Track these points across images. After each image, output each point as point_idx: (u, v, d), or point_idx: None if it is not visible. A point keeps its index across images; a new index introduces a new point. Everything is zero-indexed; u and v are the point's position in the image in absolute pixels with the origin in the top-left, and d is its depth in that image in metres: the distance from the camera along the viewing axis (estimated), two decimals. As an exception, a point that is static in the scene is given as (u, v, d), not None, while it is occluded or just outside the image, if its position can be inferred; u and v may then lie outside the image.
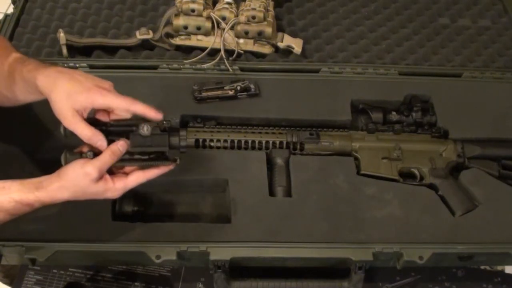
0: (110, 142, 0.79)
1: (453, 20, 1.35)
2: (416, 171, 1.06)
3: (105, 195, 0.80)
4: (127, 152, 0.80)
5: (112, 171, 0.81)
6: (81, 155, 0.79)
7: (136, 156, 0.82)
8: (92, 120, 0.79)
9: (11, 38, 1.20)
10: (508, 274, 1.07)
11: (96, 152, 0.79)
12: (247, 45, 1.20)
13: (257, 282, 0.95)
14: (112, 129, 0.81)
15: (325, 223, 0.97)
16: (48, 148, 1.01)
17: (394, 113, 1.11)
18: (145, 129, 0.79)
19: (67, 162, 0.79)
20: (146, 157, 0.82)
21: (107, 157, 0.78)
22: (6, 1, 1.42)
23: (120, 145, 0.79)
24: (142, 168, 0.82)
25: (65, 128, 0.78)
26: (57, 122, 0.78)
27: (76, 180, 0.77)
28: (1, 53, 0.86)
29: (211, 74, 1.17)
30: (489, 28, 1.34)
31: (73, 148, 0.81)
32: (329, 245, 0.94)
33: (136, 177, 0.81)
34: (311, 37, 1.28)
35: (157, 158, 0.82)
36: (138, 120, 0.81)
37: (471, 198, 1.02)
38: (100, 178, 0.78)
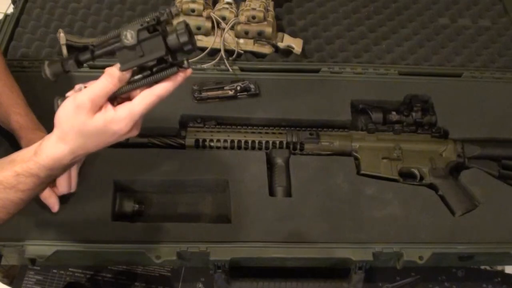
0: None
1: (453, 20, 1.35)
2: (416, 171, 1.06)
3: (109, 130, 0.65)
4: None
5: (118, 102, 0.67)
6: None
7: (137, 76, 0.66)
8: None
9: (11, 38, 1.21)
10: (508, 274, 1.07)
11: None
12: (247, 45, 1.20)
13: (257, 282, 0.95)
14: (98, 53, 0.66)
15: (325, 223, 0.97)
16: None
17: (394, 113, 1.11)
18: (128, 36, 0.62)
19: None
20: (149, 72, 0.66)
21: (100, 83, 0.63)
22: (6, 1, 1.42)
23: (116, 67, 0.65)
24: (149, 86, 0.66)
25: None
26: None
27: (70, 121, 0.64)
28: None
29: (211, 74, 1.16)
30: (489, 28, 1.34)
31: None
32: (329, 245, 0.94)
33: (143, 98, 0.65)
34: (311, 37, 1.28)
35: (163, 68, 0.66)
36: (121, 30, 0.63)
37: (471, 198, 1.02)
38: (98, 109, 0.64)
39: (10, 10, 1.29)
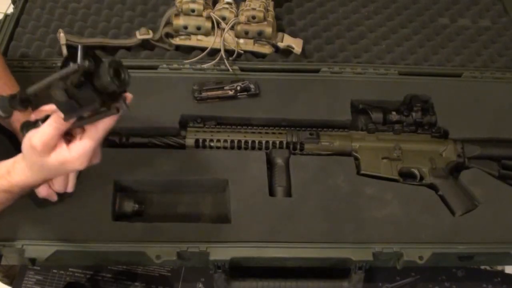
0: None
1: (453, 20, 1.35)
2: (416, 171, 1.06)
3: (65, 168, 0.70)
4: None
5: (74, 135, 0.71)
6: (35, 125, 0.71)
7: (85, 115, 0.67)
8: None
9: (11, 38, 1.21)
10: (508, 274, 1.07)
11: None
12: (247, 45, 1.20)
13: (257, 282, 0.95)
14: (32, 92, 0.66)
15: (325, 223, 0.97)
16: None
17: (394, 113, 1.11)
18: (57, 95, 0.62)
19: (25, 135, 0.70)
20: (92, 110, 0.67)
21: (48, 127, 0.67)
22: (6, 1, 1.42)
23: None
24: (94, 121, 0.68)
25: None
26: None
27: (30, 157, 0.69)
28: None
29: (211, 74, 1.16)
30: (489, 28, 1.34)
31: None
32: (329, 245, 0.94)
33: (90, 135, 0.69)
34: (311, 37, 1.28)
35: (105, 105, 0.67)
36: (53, 80, 0.63)
37: (471, 198, 1.02)
38: (52, 149, 0.68)
39: (10, 10, 1.29)
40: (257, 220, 0.96)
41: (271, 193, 1.00)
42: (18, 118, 0.95)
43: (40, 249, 0.89)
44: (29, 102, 0.69)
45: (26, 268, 1.01)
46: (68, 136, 0.70)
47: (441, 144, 1.09)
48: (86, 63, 0.62)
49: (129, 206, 0.98)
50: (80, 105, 0.63)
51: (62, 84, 0.61)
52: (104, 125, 0.69)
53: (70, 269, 1.02)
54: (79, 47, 0.62)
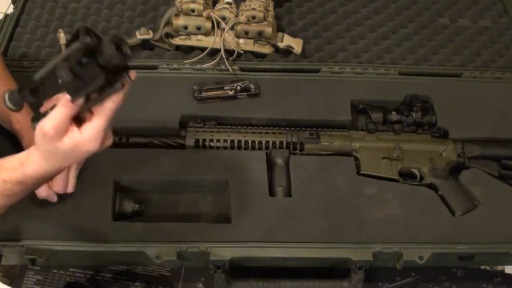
0: None
1: (453, 20, 1.35)
2: (416, 171, 1.06)
3: (79, 151, 0.70)
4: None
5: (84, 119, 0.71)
6: (44, 115, 0.70)
7: (93, 96, 0.68)
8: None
9: (11, 38, 1.21)
10: (508, 274, 1.07)
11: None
12: (247, 45, 1.20)
13: (257, 282, 0.95)
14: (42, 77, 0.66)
15: (325, 223, 0.97)
16: None
17: (394, 113, 1.11)
18: (63, 76, 0.62)
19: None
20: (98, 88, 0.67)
21: (57, 111, 0.67)
22: (6, 1, 1.42)
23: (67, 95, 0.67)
24: (101, 101, 0.68)
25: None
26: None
27: (43, 145, 0.69)
28: None
29: (211, 74, 1.17)
30: (489, 28, 1.34)
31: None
32: (329, 245, 0.94)
33: (99, 115, 0.68)
34: (311, 37, 1.28)
35: (110, 82, 0.67)
36: (57, 61, 0.63)
37: (471, 198, 1.02)
38: (63, 133, 0.68)
39: (10, 10, 1.29)
40: (257, 220, 0.96)
41: (271, 193, 1.00)
42: (18, 119, 0.95)
43: (40, 249, 0.89)
44: (38, 92, 0.68)
45: (26, 268, 1.01)
46: (78, 121, 0.70)
47: (441, 144, 1.09)
48: (88, 39, 0.62)
49: (129, 206, 0.98)
50: (86, 84, 0.64)
51: (67, 64, 0.62)
52: (111, 103, 0.68)
53: (70, 269, 1.02)
54: (80, 27, 0.63)
